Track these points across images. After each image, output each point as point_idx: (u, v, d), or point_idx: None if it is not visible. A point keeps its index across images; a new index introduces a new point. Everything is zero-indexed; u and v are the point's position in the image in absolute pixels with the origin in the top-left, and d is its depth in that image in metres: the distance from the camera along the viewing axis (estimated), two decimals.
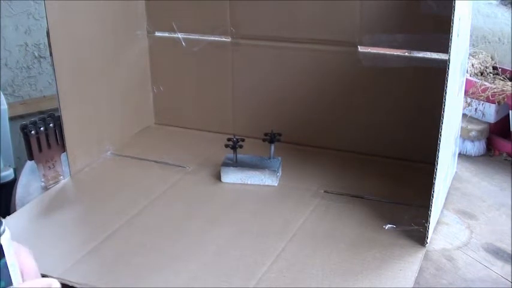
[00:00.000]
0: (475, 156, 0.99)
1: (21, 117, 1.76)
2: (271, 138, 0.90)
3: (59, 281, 0.66)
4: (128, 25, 1.03)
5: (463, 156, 0.98)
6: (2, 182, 1.46)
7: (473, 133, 0.98)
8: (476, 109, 1.01)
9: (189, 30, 1.04)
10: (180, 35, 1.04)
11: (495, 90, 0.96)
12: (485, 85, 0.98)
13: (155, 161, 0.97)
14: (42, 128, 0.87)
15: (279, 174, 0.89)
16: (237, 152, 0.89)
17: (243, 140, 0.89)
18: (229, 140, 0.89)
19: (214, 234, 0.76)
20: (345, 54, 0.93)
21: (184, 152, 1.00)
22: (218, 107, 1.07)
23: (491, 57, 1.09)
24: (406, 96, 0.92)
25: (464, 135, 0.98)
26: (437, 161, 0.68)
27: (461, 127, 0.96)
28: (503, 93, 0.95)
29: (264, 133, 0.90)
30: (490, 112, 0.99)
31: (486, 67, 1.06)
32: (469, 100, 1.00)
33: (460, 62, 0.76)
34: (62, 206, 0.85)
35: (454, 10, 0.62)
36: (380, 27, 0.90)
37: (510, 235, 0.76)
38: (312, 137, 1.01)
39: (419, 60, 0.90)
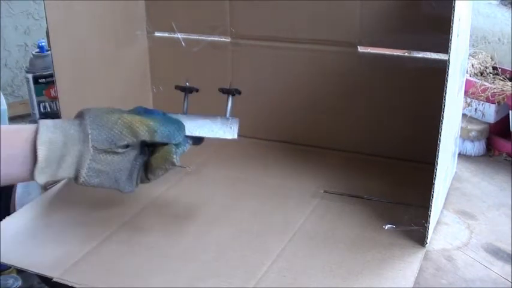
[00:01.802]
0: (475, 156, 0.99)
1: (21, 117, 1.76)
2: (228, 90, 0.80)
3: (59, 281, 0.66)
4: (128, 25, 1.03)
5: (463, 156, 0.98)
6: None
7: (473, 133, 0.98)
8: (476, 109, 1.01)
9: (189, 30, 1.04)
10: (179, 35, 1.04)
11: (495, 90, 0.96)
12: (485, 85, 0.98)
13: None
14: None
15: (234, 127, 0.78)
16: (188, 103, 0.80)
17: (197, 90, 0.81)
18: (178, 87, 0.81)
19: (214, 234, 0.76)
20: (345, 54, 0.93)
21: None
22: (218, 107, 1.07)
23: (491, 58, 1.09)
24: (406, 97, 0.92)
25: (464, 135, 0.98)
26: (437, 161, 0.68)
27: (461, 127, 0.96)
28: (503, 94, 0.95)
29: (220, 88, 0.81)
30: (489, 112, 0.99)
31: (486, 67, 1.06)
32: (469, 100, 1.00)
33: (460, 62, 0.76)
34: (61, 206, 0.85)
35: (454, 10, 0.62)
36: (380, 27, 0.90)
37: (510, 235, 0.76)
38: (312, 137, 1.01)
39: (419, 60, 0.90)
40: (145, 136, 0.67)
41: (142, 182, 0.71)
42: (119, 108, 0.71)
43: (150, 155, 0.70)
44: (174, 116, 0.75)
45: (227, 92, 0.80)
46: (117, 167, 0.67)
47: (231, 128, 0.77)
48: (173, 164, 0.68)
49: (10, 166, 0.63)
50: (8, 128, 0.68)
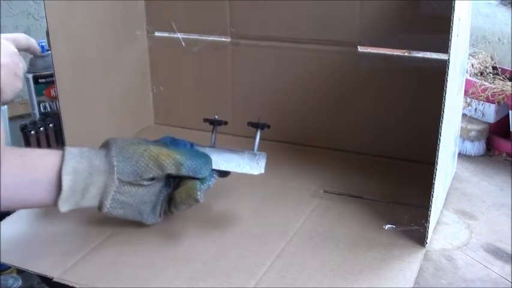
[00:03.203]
0: (474, 156, 0.99)
1: (21, 117, 1.76)
2: (257, 124, 0.80)
3: (59, 281, 0.67)
4: (128, 25, 1.03)
5: (463, 156, 0.98)
6: None
7: (473, 133, 0.98)
8: (476, 109, 1.01)
9: (189, 30, 1.04)
10: (179, 35, 1.04)
11: (495, 90, 0.96)
12: (485, 85, 0.98)
13: None
14: (42, 128, 0.87)
15: (261, 163, 0.77)
16: (216, 136, 0.80)
17: (226, 123, 0.82)
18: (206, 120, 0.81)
19: (215, 234, 0.76)
20: (345, 54, 0.93)
21: None
22: (218, 107, 1.07)
23: (491, 57, 1.09)
24: (406, 96, 0.92)
25: (464, 135, 0.98)
26: (437, 161, 0.68)
27: (461, 127, 0.96)
28: (503, 93, 0.95)
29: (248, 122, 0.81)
30: (489, 112, 0.99)
31: (486, 67, 1.06)
32: (468, 100, 1.00)
33: (460, 62, 0.76)
34: None
35: (454, 10, 0.62)
36: (380, 27, 0.90)
37: (510, 235, 0.76)
38: (312, 137, 1.01)
39: (419, 60, 0.90)
40: (171, 170, 0.66)
41: (165, 213, 0.71)
42: (145, 138, 0.70)
43: (174, 188, 0.69)
44: (201, 149, 0.74)
45: (255, 126, 0.79)
46: (141, 199, 0.67)
47: (258, 163, 0.76)
48: (197, 201, 0.67)
49: (33, 191, 0.63)
50: (33, 152, 0.67)
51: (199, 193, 0.67)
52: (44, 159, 0.64)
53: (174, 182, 0.69)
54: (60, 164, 0.63)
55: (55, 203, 0.64)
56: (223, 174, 0.75)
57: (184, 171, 0.67)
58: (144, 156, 0.66)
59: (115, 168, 0.65)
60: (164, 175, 0.67)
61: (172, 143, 0.71)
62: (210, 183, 0.71)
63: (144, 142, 0.68)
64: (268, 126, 0.80)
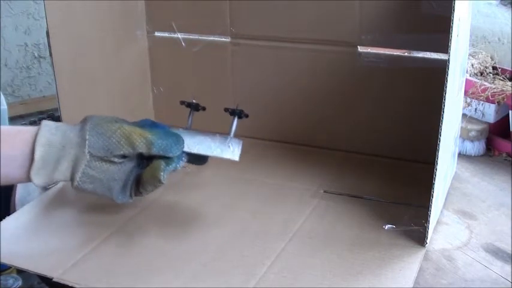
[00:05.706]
0: (474, 156, 0.99)
1: (21, 117, 1.76)
2: (234, 111, 0.78)
3: (59, 281, 0.67)
4: (128, 25, 1.03)
5: (462, 156, 0.99)
6: None
7: (472, 133, 0.98)
8: (476, 109, 1.01)
9: (189, 30, 1.04)
10: (179, 35, 1.04)
11: (495, 90, 0.96)
12: (485, 85, 0.98)
13: None
14: None
15: (234, 147, 0.74)
16: (192, 119, 0.79)
17: (204, 109, 0.81)
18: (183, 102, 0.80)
19: (214, 234, 0.76)
20: (345, 54, 0.93)
21: None
22: (218, 107, 1.07)
23: (490, 57, 1.09)
24: (406, 96, 0.92)
25: (464, 135, 0.98)
26: (437, 161, 0.68)
27: (461, 127, 0.96)
28: (503, 93, 0.95)
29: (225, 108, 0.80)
30: (489, 112, 0.99)
31: (486, 67, 1.06)
32: (468, 100, 1.00)
33: (460, 62, 0.76)
34: (62, 206, 0.85)
35: (454, 10, 0.62)
36: (380, 27, 0.90)
37: (510, 235, 0.76)
38: (312, 136, 1.01)
39: (419, 60, 0.90)
40: (142, 148, 0.66)
41: (135, 195, 0.70)
42: (123, 118, 0.70)
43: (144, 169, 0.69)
44: (175, 131, 0.73)
45: (232, 113, 0.78)
46: (111, 176, 0.67)
47: (229, 147, 0.74)
48: (160, 182, 0.67)
49: (10, 167, 0.64)
50: (9, 129, 0.68)
51: (162, 173, 0.67)
52: (20, 135, 0.65)
53: (146, 163, 0.69)
54: (35, 137, 0.64)
55: (28, 176, 0.64)
56: (200, 161, 0.74)
57: (155, 150, 0.67)
58: (117, 133, 0.66)
59: (86, 141, 0.65)
60: (135, 154, 0.67)
61: (150, 125, 0.71)
62: (177, 165, 0.69)
63: (121, 121, 0.69)
64: (247, 116, 0.78)
